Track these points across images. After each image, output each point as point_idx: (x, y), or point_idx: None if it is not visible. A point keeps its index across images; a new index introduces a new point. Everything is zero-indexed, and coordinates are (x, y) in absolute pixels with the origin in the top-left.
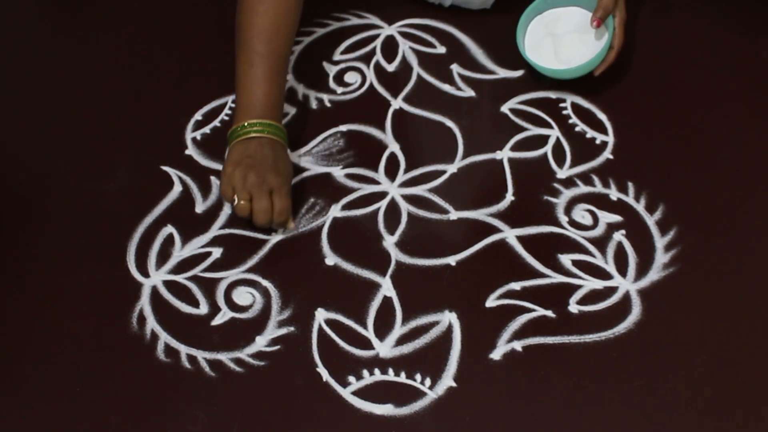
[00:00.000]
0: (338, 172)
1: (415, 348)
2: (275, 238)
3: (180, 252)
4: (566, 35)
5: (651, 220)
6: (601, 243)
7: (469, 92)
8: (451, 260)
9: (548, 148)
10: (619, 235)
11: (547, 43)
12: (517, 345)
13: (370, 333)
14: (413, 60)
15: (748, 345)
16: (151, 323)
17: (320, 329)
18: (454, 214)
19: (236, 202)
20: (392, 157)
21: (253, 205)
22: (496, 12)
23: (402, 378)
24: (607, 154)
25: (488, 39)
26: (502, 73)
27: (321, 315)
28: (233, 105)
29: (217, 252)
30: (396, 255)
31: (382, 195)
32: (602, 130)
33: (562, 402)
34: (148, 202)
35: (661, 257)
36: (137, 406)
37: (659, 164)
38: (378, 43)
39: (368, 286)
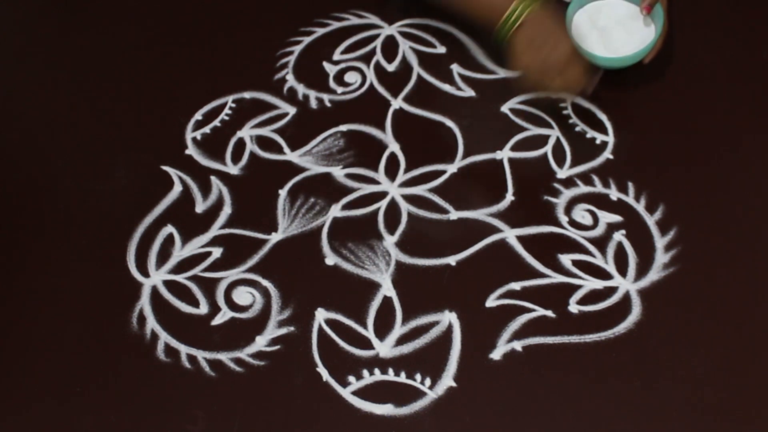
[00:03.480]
0: (338, 172)
1: (415, 348)
2: (275, 238)
3: (180, 252)
4: (612, 26)
5: (651, 220)
6: (601, 243)
7: (469, 92)
8: (451, 260)
9: (548, 148)
10: (619, 235)
11: (594, 35)
12: (517, 345)
13: (370, 333)
14: (413, 60)
15: (748, 345)
16: (151, 323)
17: (320, 329)
18: (454, 214)
19: (548, 84)
20: (392, 157)
21: (567, 78)
22: None
23: (402, 378)
24: (607, 154)
25: (488, 39)
26: (502, 73)
27: (321, 315)
28: (233, 105)
29: (217, 252)
30: (396, 255)
31: (382, 195)
32: (602, 130)
33: (562, 402)
34: (148, 202)
35: (661, 257)
36: (137, 405)
37: (659, 164)
38: (378, 43)
39: (368, 286)
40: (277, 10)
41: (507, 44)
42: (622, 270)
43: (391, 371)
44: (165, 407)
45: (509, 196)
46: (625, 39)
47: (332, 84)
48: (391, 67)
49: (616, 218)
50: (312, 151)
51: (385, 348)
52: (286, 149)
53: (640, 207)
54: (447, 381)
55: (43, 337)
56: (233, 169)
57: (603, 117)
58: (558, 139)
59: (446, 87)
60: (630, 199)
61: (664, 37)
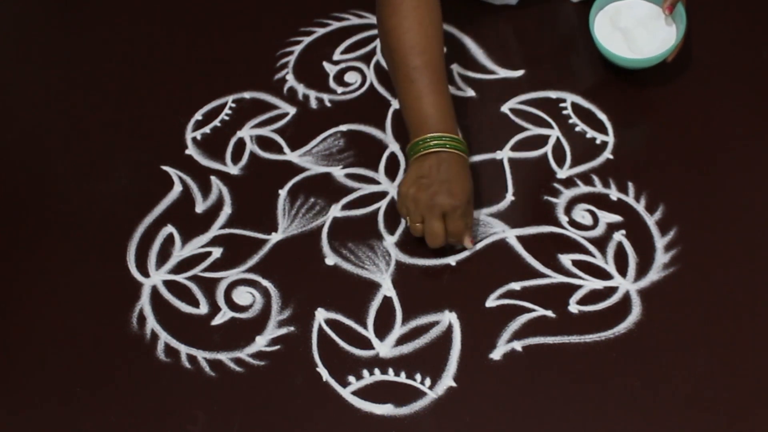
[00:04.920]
0: (338, 172)
1: (415, 348)
2: (275, 238)
3: (180, 252)
4: (633, 27)
5: (651, 220)
6: (601, 243)
7: (469, 92)
8: (451, 260)
9: (548, 148)
10: (619, 235)
11: (617, 36)
12: (517, 345)
13: (370, 333)
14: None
15: (748, 345)
16: (151, 323)
17: (320, 329)
18: None
19: (406, 223)
20: (392, 157)
21: (424, 228)
22: (497, 11)
23: (402, 378)
24: (607, 154)
25: (488, 39)
26: (502, 73)
27: (321, 315)
28: (233, 105)
29: (217, 252)
30: (396, 255)
31: (382, 195)
32: (602, 130)
33: (562, 402)
34: (148, 202)
35: (661, 257)
36: (137, 406)
37: (659, 164)
38: (378, 42)
39: (368, 286)
40: (277, 10)
41: (407, 162)
42: (622, 270)
43: (391, 371)
44: (165, 407)
45: (509, 196)
46: (647, 39)
47: (332, 84)
48: None
49: (616, 218)
50: (312, 151)
51: (385, 348)
52: (286, 149)
53: (640, 207)
54: (447, 381)
55: (44, 337)
56: (233, 169)
57: (603, 117)
58: (558, 139)
59: None
60: (630, 199)
61: (686, 34)
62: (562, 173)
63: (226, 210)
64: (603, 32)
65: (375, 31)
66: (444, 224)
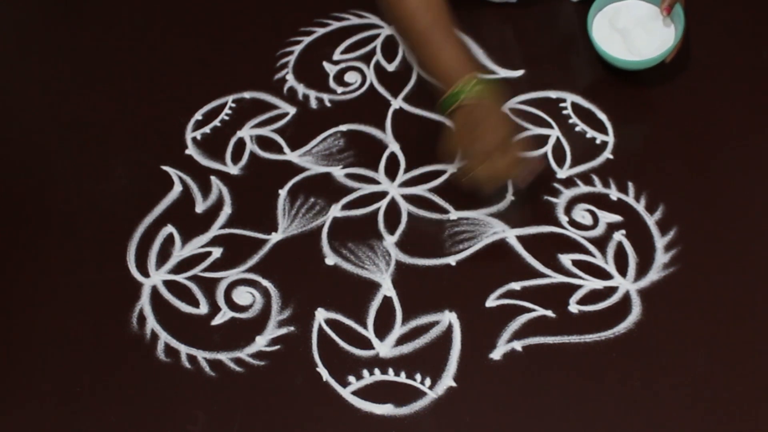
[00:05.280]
0: (338, 172)
1: (415, 348)
2: (275, 238)
3: (180, 252)
4: (632, 28)
5: (651, 220)
6: (601, 243)
7: None
8: (451, 260)
9: (548, 148)
10: (619, 235)
11: (616, 37)
12: (517, 345)
13: (370, 333)
14: (413, 60)
15: (748, 345)
16: (151, 323)
17: (320, 329)
18: (454, 214)
19: (478, 173)
20: (392, 157)
21: (493, 167)
22: (497, 11)
23: (402, 378)
24: (607, 154)
25: (488, 39)
26: (502, 73)
27: (321, 315)
28: (233, 105)
29: (217, 252)
30: (396, 255)
31: (382, 195)
32: (602, 130)
33: (562, 402)
34: (148, 202)
35: (661, 257)
36: (137, 406)
37: (659, 164)
38: (378, 42)
39: (368, 286)
40: (277, 10)
41: (446, 118)
42: (622, 270)
43: (391, 371)
44: (165, 407)
45: (509, 196)
46: (646, 40)
47: (332, 84)
48: (391, 67)
49: (616, 218)
50: (312, 151)
51: (385, 348)
52: (286, 149)
53: (640, 207)
54: (447, 381)
55: (44, 337)
56: (233, 169)
57: (603, 117)
58: (558, 139)
59: None
60: (630, 199)
61: (684, 35)
62: (562, 173)
63: (226, 210)
64: (601, 33)
65: (375, 31)
66: (506, 158)
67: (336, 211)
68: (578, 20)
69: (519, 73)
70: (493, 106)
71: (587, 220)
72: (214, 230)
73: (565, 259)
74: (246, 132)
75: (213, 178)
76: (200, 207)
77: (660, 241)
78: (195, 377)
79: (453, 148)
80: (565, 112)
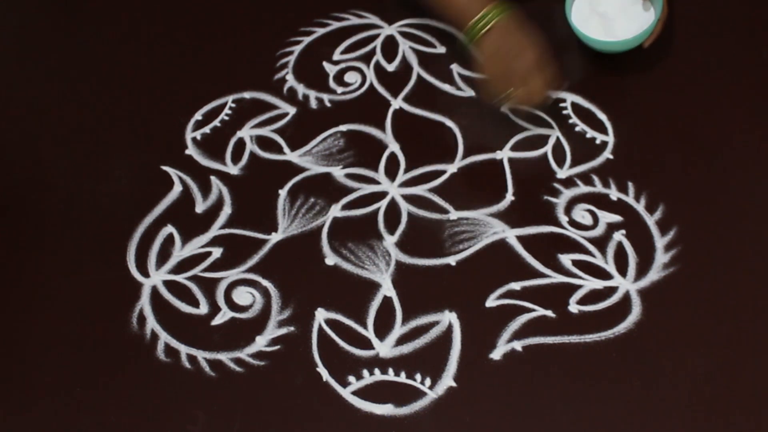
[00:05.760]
0: (338, 172)
1: (415, 348)
2: (275, 238)
3: (180, 252)
4: (612, 12)
5: (651, 220)
6: (601, 243)
7: (469, 92)
8: (451, 260)
9: (548, 148)
10: (619, 235)
11: (594, 21)
12: (517, 345)
13: (370, 333)
14: (413, 60)
15: (748, 345)
16: (151, 323)
17: (320, 329)
18: (454, 214)
19: (510, 93)
20: (392, 157)
21: (530, 89)
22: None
23: (402, 378)
24: (607, 154)
25: None
26: None
27: (321, 315)
28: (233, 105)
29: (217, 252)
30: (396, 255)
31: (382, 195)
32: (602, 130)
33: (562, 402)
34: (148, 202)
35: (661, 257)
36: (137, 405)
37: (659, 164)
38: (378, 42)
39: (368, 286)
40: (277, 10)
41: (474, 48)
42: (622, 270)
43: (391, 371)
44: (165, 407)
45: (509, 196)
46: (625, 24)
47: (332, 84)
48: (391, 67)
49: (616, 218)
50: (312, 151)
51: (385, 348)
52: (286, 149)
53: (640, 207)
54: (447, 381)
55: (43, 337)
56: (233, 169)
57: (603, 117)
58: (558, 139)
59: (446, 87)
60: (630, 199)
61: (664, 21)
62: (562, 173)
63: (226, 210)
64: (580, 16)
65: (375, 31)
66: (543, 77)
67: (336, 211)
68: None
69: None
70: (520, 28)
71: (587, 220)
72: (214, 230)
73: (565, 259)
74: (246, 132)
75: (213, 178)
76: (200, 207)
77: (660, 241)
78: (195, 377)
79: (489, 73)
80: (565, 112)
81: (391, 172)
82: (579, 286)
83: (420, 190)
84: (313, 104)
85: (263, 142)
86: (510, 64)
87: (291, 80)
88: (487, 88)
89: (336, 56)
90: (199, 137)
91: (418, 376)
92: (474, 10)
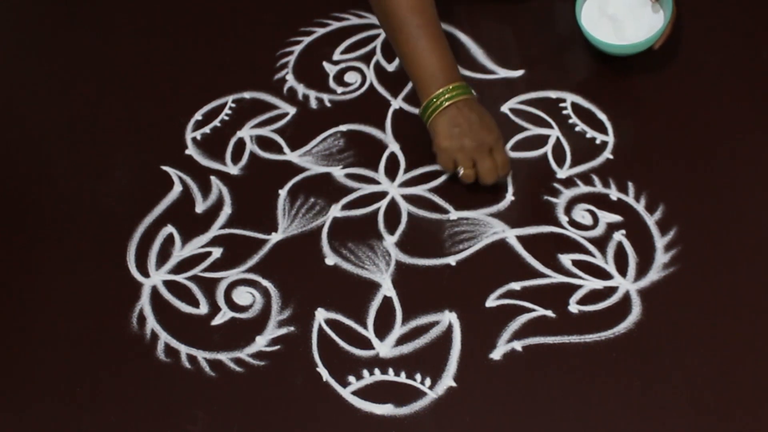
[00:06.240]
0: (338, 172)
1: (415, 348)
2: (275, 238)
3: (180, 252)
4: (621, 14)
5: (651, 220)
6: (601, 243)
7: None
8: (451, 260)
9: (548, 148)
10: (619, 235)
11: (604, 23)
12: (517, 345)
13: (370, 333)
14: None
15: (748, 345)
16: (151, 323)
17: (320, 329)
18: (454, 214)
19: (461, 171)
20: (392, 157)
21: (478, 169)
22: (496, 11)
23: (402, 378)
24: (607, 154)
25: (488, 39)
26: (502, 73)
27: (321, 315)
28: (233, 105)
29: (217, 252)
30: (396, 255)
31: (382, 195)
32: (602, 130)
33: (562, 402)
34: (148, 202)
35: (661, 257)
36: (137, 406)
37: (659, 164)
38: (378, 42)
39: (368, 286)
40: (277, 10)
41: (428, 125)
42: (622, 270)
43: (391, 371)
44: (165, 407)
45: (509, 196)
46: (635, 26)
47: (332, 84)
48: (391, 67)
49: (616, 218)
50: (312, 151)
51: (385, 348)
52: (286, 149)
53: (640, 207)
54: (447, 381)
55: (43, 337)
56: (233, 169)
57: (603, 117)
58: (558, 139)
59: None
60: (630, 199)
61: (674, 22)
62: (562, 173)
63: (226, 210)
64: (590, 19)
65: (375, 31)
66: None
67: (336, 211)
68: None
69: (519, 73)
70: (477, 109)
71: (587, 220)
72: (214, 230)
73: (565, 259)
74: (246, 132)
75: (213, 178)
76: (200, 207)
77: (660, 241)
78: (195, 377)
79: (440, 150)
80: (565, 112)
81: (391, 172)
82: (579, 286)
83: (420, 190)
84: (313, 104)
85: (263, 142)
86: (461, 143)
87: (291, 80)
88: (441, 161)
89: (336, 56)
90: (199, 137)
91: (418, 376)
92: (433, 87)
